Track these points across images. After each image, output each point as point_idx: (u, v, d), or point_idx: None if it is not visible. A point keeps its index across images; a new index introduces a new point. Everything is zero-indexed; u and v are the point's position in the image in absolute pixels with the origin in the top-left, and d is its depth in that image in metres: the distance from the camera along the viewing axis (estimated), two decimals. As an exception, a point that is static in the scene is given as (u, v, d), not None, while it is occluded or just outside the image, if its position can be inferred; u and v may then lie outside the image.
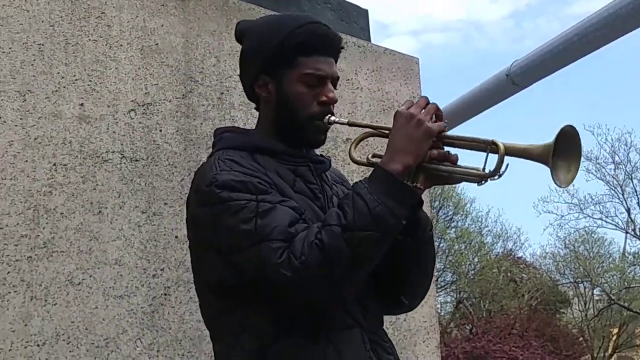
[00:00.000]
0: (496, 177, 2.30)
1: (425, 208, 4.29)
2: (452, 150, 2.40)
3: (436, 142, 2.37)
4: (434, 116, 2.36)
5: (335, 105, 2.58)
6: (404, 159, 2.30)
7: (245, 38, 2.66)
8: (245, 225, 2.25)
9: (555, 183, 2.25)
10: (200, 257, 2.49)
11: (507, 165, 2.28)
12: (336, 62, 2.63)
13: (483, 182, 2.34)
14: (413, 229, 2.49)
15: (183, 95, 3.45)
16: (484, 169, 2.32)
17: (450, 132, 2.41)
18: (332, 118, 2.54)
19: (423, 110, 2.35)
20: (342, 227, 2.21)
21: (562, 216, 39.21)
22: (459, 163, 2.40)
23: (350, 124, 2.62)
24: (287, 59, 2.53)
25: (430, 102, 2.39)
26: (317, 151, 2.67)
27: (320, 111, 2.53)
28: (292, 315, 2.31)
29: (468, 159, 2.44)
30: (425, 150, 2.33)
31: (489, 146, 2.31)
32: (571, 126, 2.25)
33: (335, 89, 2.58)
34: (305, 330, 2.32)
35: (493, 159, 2.29)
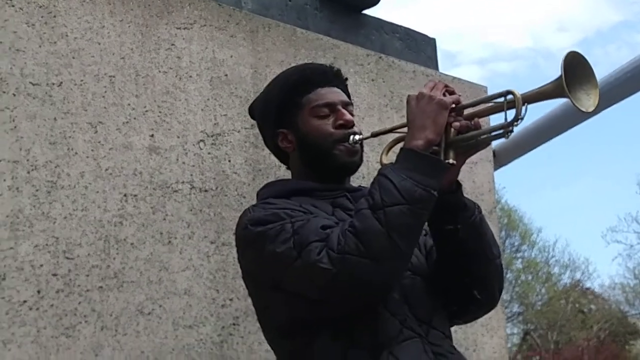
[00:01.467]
0: (519, 121, 2.28)
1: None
2: None
3: (455, 116, 2.37)
4: (446, 93, 2.37)
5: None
6: (423, 133, 2.30)
7: (256, 110, 2.80)
8: (285, 244, 2.27)
9: (581, 110, 2.25)
10: (263, 306, 2.51)
11: (527, 107, 2.28)
12: (346, 91, 2.69)
13: (509, 130, 2.32)
14: (460, 214, 2.47)
15: (252, 125, 3.45)
16: (505, 120, 2.31)
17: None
18: (357, 137, 2.56)
19: (432, 89, 2.37)
20: (371, 207, 2.21)
21: (632, 246, 38.69)
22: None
23: (373, 135, 2.66)
24: (293, 104, 2.60)
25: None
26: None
27: (341, 134, 2.57)
28: (353, 336, 2.31)
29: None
30: (443, 122, 2.33)
31: (505, 102, 2.31)
32: (573, 52, 2.25)
33: (352, 115, 2.62)
34: (367, 348, 2.31)
35: (511, 115, 2.30)
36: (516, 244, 35.34)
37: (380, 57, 4.07)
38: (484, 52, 61.82)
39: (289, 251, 2.25)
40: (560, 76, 2.20)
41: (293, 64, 3.53)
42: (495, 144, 5.87)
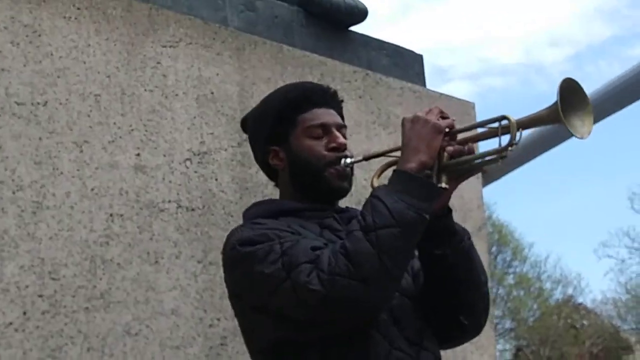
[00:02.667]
0: (513, 146, 2.28)
1: (483, 254, 4.25)
2: None
3: (449, 140, 2.36)
4: (440, 117, 2.37)
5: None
6: (417, 156, 2.30)
7: (248, 124, 2.78)
8: (274, 265, 2.25)
9: (575, 136, 2.23)
10: (249, 327, 2.49)
11: (521, 133, 2.27)
12: (340, 114, 2.68)
13: (504, 155, 2.31)
14: (449, 239, 2.46)
15: (238, 143, 3.44)
16: (500, 145, 2.31)
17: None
18: (348, 160, 2.55)
19: (428, 113, 2.37)
20: (363, 229, 2.20)
21: (623, 260, 38.80)
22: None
23: (365, 159, 2.64)
24: (287, 122, 2.59)
25: None
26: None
27: (334, 157, 2.56)
28: (340, 357, 2.29)
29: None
30: (437, 146, 2.32)
31: (500, 127, 2.30)
32: (569, 79, 2.25)
33: (345, 138, 2.61)
34: None
35: (505, 140, 2.29)
36: (508, 259, 35.39)
37: (367, 74, 4.06)
38: (476, 67, 62.02)
39: (278, 272, 2.24)
40: (556, 102, 2.20)
41: (280, 82, 3.53)
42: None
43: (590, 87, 5.73)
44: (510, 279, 35.33)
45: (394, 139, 4.00)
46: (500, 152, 2.31)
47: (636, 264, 42.52)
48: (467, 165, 2.40)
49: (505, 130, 2.29)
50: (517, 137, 2.26)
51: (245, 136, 3.41)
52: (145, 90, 3.27)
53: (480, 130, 2.44)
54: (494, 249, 33.15)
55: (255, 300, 2.35)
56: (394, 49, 4.36)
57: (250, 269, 2.31)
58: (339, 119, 2.64)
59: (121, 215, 3.08)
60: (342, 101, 2.73)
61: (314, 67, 3.82)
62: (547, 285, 36.81)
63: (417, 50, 4.51)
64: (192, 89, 3.40)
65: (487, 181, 5.91)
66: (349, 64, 4.02)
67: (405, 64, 4.39)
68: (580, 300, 37.77)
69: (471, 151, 2.39)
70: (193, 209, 3.27)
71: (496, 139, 2.32)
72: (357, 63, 4.10)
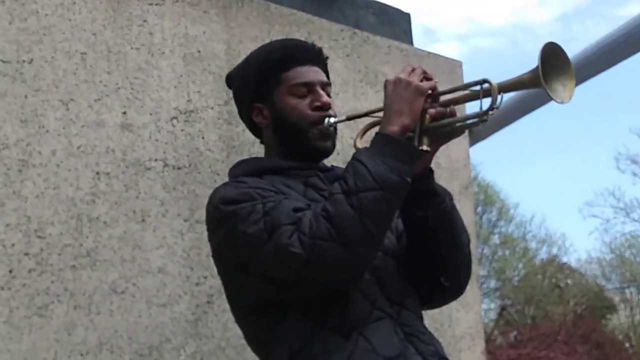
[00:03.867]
0: (494, 110, 2.30)
1: (469, 214, 4.27)
2: None
3: (431, 103, 2.37)
4: (424, 79, 2.37)
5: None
6: (399, 119, 2.31)
7: (233, 81, 2.76)
8: (256, 225, 2.26)
9: (555, 101, 2.25)
10: (232, 286, 2.51)
11: (502, 96, 2.29)
12: (325, 71, 2.68)
13: (484, 119, 2.34)
14: (431, 201, 2.48)
15: (225, 102, 3.43)
16: (481, 109, 2.32)
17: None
18: (332, 120, 2.55)
19: (410, 74, 2.37)
20: (345, 192, 2.21)
21: (608, 220, 38.94)
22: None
23: (348, 119, 2.64)
24: (271, 80, 2.58)
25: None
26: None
27: (318, 116, 2.56)
28: (322, 317, 2.31)
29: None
30: (419, 108, 2.33)
31: (482, 90, 2.32)
32: (551, 43, 2.26)
33: (330, 96, 2.61)
34: (336, 329, 2.31)
35: (487, 103, 2.32)
36: (493, 219, 35.43)
37: (354, 33, 4.04)
38: (464, 28, 61.68)
39: (259, 232, 2.24)
40: (537, 67, 2.20)
41: (267, 40, 3.50)
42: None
43: (578, 47, 5.72)
44: (495, 239, 35.41)
45: (381, 97, 3.99)
46: (481, 115, 2.32)
47: (621, 223, 42.83)
48: (448, 128, 2.41)
49: (486, 93, 2.31)
50: (498, 101, 2.28)
51: (231, 95, 3.41)
52: (132, 48, 3.25)
53: (462, 93, 2.44)
54: (479, 209, 33.20)
55: (237, 260, 2.36)
56: (381, 7, 4.35)
57: (232, 228, 2.32)
58: (323, 77, 2.64)
59: (107, 174, 3.08)
60: (327, 58, 2.73)
61: (301, 25, 3.80)
62: (532, 245, 36.95)
63: (405, 10, 4.50)
64: (178, 47, 3.38)
65: (474, 141, 5.91)
66: (336, 23, 4.00)
67: (393, 23, 4.37)
68: (564, 259, 37.92)
69: (453, 114, 2.40)
70: (180, 168, 3.27)
71: (478, 102, 2.33)
72: (344, 21, 4.08)
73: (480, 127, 2.40)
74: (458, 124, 2.41)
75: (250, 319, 2.47)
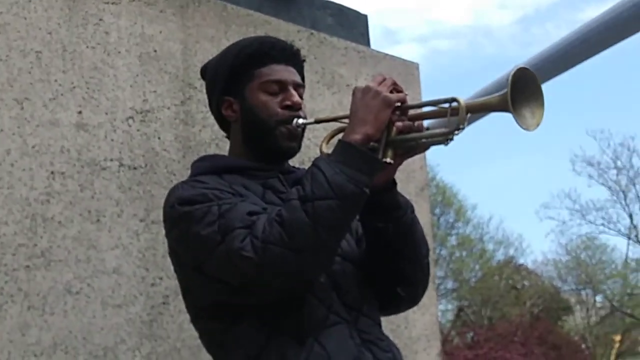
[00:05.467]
0: (460, 130, 2.27)
1: (425, 215, 4.28)
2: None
3: (400, 115, 2.35)
4: (394, 90, 2.34)
5: (339, 111, 2.59)
6: (363, 128, 2.28)
7: (207, 71, 2.71)
8: (210, 227, 2.24)
9: (522, 128, 2.21)
10: (187, 286, 2.49)
11: (469, 116, 2.27)
12: (301, 74, 2.65)
13: (449, 138, 2.30)
14: (392, 213, 2.46)
15: (182, 102, 3.42)
16: (447, 127, 2.30)
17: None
18: (300, 121, 2.53)
19: (381, 84, 2.34)
20: (301, 199, 2.19)
21: (564, 222, 39.38)
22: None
23: (317, 122, 2.61)
24: (244, 74, 2.55)
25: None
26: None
27: (287, 115, 2.53)
28: (277, 322, 2.30)
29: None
30: (385, 119, 2.30)
31: (449, 108, 2.29)
32: (523, 68, 2.23)
33: (302, 98, 2.58)
34: (291, 334, 2.30)
35: (454, 122, 2.28)
36: (451, 220, 35.62)
37: (311, 34, 4.05)
38: (425, 29, 61.99)
39: (213, 235, 2.23)
40: (506, 91, 2.18)
41: (224, 40, 3.51)
42: (427, 120, 5.90)
43: (537, 49, 5.76)
44: (452, 240, 35.60)
45: (338, 99, 4.01)
46: (447, 135, 2.29)
47: (577, 225, 43.15)
48: (413, 143, 2.38)
49: (454, 111, 2.28)
50: (465, 122, 2.26)
51: (188, 95, 3.42)
52: (87, 47, 3.23)
53: (430, 108, 2.43)
54: (437, 210, 33.36)
55: (192, 261, 2.35)
56: (338, 9, 4.36)
57: (187, 229, 2.31)
58: (297, 78, 2.61)
59: (62, 173, 3.06)
60: (304, 60, 2.70)
61: (258, 26, 3.80)
62: (489, 247, 37.19)
63: (366, 12, 4.51)
64: (134, 47, 3.37)
65: (430, 142, 5.93)
66: (293, 24, 4.01)
67: (350, 24, 4.38)
68: (521, 261, 38.18)
69: (420, 129, 2.38)
70: (135, 168, 3.25)
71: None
72: (302, 22, 4.09)
73: (445, 146, 2.38)
74: (423, 140, 2.38)
75: (205, 320, 2.46)
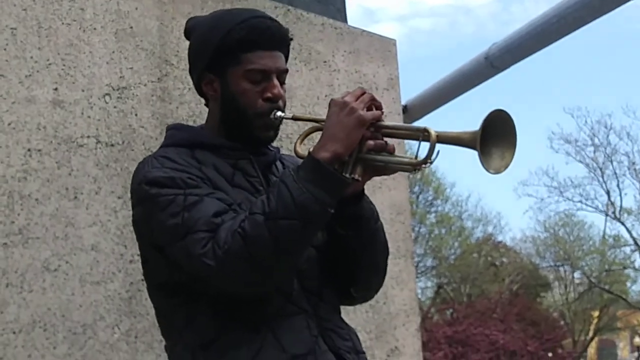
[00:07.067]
0: (427, 164, 2.28)
1: (403, 192, 4.29)
2: (390, 141, 2.37)
3: (374, 132, 2.33)
4: (372, 106, 2.33)
5: (316, 87, 2.55)
6: (333, 146, 2.26)
7: (192, 35, 2.64)
8: (174, 219, 2.25)
9: (485, 169, 2.20)
10: (145, 258, 2.49)
11: (438, 152, 2.26)
12: (286, 55, 2.60)
13: (416, 169, 2.33)
14: (356, 222, 2.46)
15: (158, 78, 3.41)
16: (416, 157, 2.30)
17: (386, 123, 2.38)
18: (279, 114, 2.50)
19: (358, 99, 2.31)
20: (265, 215, 2.19)
21: (542, 199, 39.53)
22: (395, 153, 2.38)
23: (294, 119, 2.58)
24: (230, 56, 2.50)
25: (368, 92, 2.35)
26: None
27: (266, 108, 2.49)
28: (233, 309, 2.31)
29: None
30: (356, 138, 2.29)
31: (421, 134, 2.28)
32: (500, 110, 2.21)
33: (283, 83, 2.55)
34: (247, 322, 2.31)
35: (426, 147, 2.27)
36: (430, 198, 35.74)
37: (288, 10, 4.03)
38: (404, 9, 61.94)
39: (175, 228, 2.24)
40: (479, 130, 2.17)
41: (200, 17, 3.48)
42: (406, 98, 5.90)
43: (516, 26, 5.77)
44: (432, 218, 35.72)
45: (315, 75, 4.01)
46: (415, 165, 2.31)
47: (555, 202, 43.41)
48: (382, 164, 2.37)
49: (426, 138, 2.27)
50: (434, 156, 2.25)
51: (165, 72, 3.41)
52: (63, 23, 3.21)
53: (404, 130, 2.42)
54: (416, 188, 33.44)
55: (153, 241, 2.35)
56: (316, -15, 4.34)
57: (150, 213, 2.31)
58: (282, 64, 2.55)
59: (39, 151, 3.05)
60: (291, 39, 2.64)
61: (234, 1, 3.78)
62: (468, 224, 37.37)
63: (347, -10, 4.50)
64: (110, 23, 3.35)
65: (409, 120, 5.94)
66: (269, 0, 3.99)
67: (327, 1, 4.37)
68: (500, 238, 38.42)
69: (391, 151, 2.36)
70: (112, 145, 3.24)
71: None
72: (279, -2, 4.07)
73: (411, 175, 2.36)
74: (391, 165, 2.38)
75: (160, 296, 2.47)
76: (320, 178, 2.23)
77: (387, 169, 2.41)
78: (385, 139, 2.36)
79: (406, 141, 4.15)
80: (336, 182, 2.26)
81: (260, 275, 2.21)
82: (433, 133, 2.26)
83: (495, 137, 2.20)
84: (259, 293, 2.30)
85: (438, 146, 2.26)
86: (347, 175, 2.30)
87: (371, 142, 2.32)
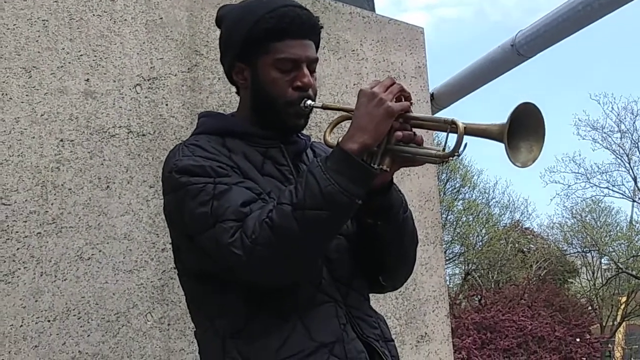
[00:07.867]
0: (455, 156, 2.27)
1: (432, 179, 4.31)
2: (418, 132, 2.36)
3: (402, 123, 2.32)
4: (401, 97, 2.32)
5: (344, 76, 2.55)
6: (361, 137, 2.26)
7: (223, 24, 2.63)
8: (203, 207, 2.25)
9: (512, 162, 2.20)
10: (177, 246, 2.50)
11: (466, 144, 2.25)
12: (317, 43, 2.58)
13: (444, 162, 2.32)
14: (385, 212, 2.46)
15: (188, 69, 3.44)
16: (444, 149, 2.29)
17: (414, 114, 2.36)
18: (309, 102, 2.48)
19: (387, 90, 2.30)
20: (293, 205, 2.19)
21: (569, 186, 39.44)
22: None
23: (324, 108, 2.56)
24: (260, 45, 2.49)
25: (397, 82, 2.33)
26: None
27: (297, 97, 2.48)
28: (263, 297, 2.31)
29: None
30: (385, 130, 2.28)
31: (449, 126, 2.27)
32: (528, 103, 2.20)
33: (314, 72, 2.54)
34: (276, 310, 2.31)
35: (454, 138, 2.26)
36: (457, 185, 35.62)
37: (316, -1, 4.05)
38: (432, -2, 61.65)
39: (205, 217, 2.25)
40: (506, 123, 2.15)
41: (229, 7, 3.50)
42: (432, 86, 5.90)
43: (541, 14, 5.74)
44: (459, 205, 35.60)
45: (344, 64, 4.02)
46: (443, 157, 2.29)
47: (581, 188, 43.19)
48: (409, 155, 2.35)
49: (453, 130, 2.26)
50: (461, 148, 2.25)
51: (195, 62, 3.43)
52: (94, 15, 3.24)
53: (432, 121, 2.41)
54: (443, 175, 33.35)
55: (184, 228, 2.36)
56: (343, -26, 4.35)
57: (182, 201, 2.32)
58: (312, 52, 2.54)
59: (72, 141, 3.08)
60: (321, 27, 2.62)
61: (263, -9, 3.79)
62: (496, 211, 37.22)
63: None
64: (140, 14, 3.38)
65: (436, 109, 5.94)
66: (298, -11, 4.00)
67: (354, -11, 4.38)
68: (527, 225, 38.28)
69: (420, 142, 2.35)
70: (144, 134, 3.27)
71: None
72: (306, -12, 4.08)
73: (439, 167, 2.34)
74: (420, 156, 2.36)
75: (192, 281, 2.48)
76: (348, 169, 2.22)
77: (415, 161, 2.40)
78: (414, 129, 2.35)
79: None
80: (364, 173, 2.25)
81: (287, 265, 2.22)
82: (461, 125, 2.24)
83: (523, 131, 2.19)
84: (287, 282, 2.30)
85: (465, 138, 2.24)
86: (375, 166, 2.29)
87: (399, 134, 2.31)
